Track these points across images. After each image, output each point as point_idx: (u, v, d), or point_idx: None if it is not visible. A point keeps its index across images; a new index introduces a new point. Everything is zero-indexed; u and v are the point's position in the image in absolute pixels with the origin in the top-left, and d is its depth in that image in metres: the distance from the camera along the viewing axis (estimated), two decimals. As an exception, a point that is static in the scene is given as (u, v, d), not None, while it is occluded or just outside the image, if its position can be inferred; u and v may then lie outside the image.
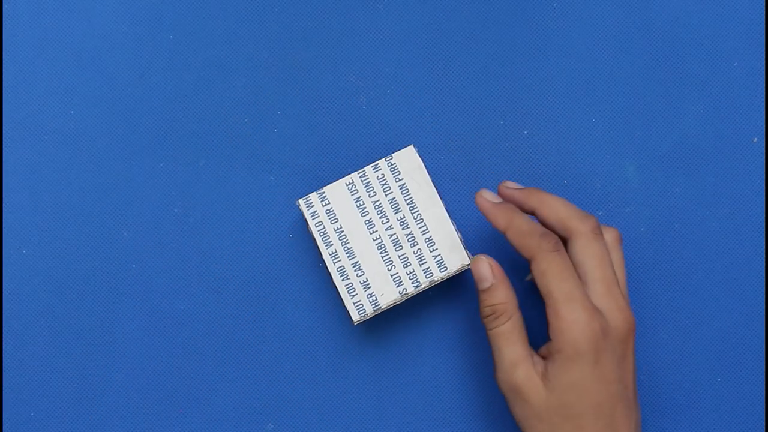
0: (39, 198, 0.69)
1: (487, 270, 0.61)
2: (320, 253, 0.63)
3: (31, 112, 0.69)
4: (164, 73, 0.69)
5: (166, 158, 0.69)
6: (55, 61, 0.69)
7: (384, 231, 0.63)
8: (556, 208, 0.61)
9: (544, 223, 0.62)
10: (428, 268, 0.63)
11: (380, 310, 0.63)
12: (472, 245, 0.69)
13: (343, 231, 0.63)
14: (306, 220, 0.63)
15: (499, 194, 0.63)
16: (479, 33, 0.69)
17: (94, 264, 0.68)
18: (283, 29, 0.70)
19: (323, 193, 0.63)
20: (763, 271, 0.68)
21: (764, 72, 0.69)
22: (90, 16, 0.69)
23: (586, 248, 0.60)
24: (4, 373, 0.68)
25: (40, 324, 0.68)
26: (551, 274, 0.58)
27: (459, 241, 0.63)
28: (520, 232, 0.59)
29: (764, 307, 0.68)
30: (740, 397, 0.68)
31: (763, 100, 0.69)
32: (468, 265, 0.63)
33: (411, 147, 0.63)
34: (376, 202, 0.63)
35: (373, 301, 0.63)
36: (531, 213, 0.62)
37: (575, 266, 0.60)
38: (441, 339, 0.69)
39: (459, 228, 0.68)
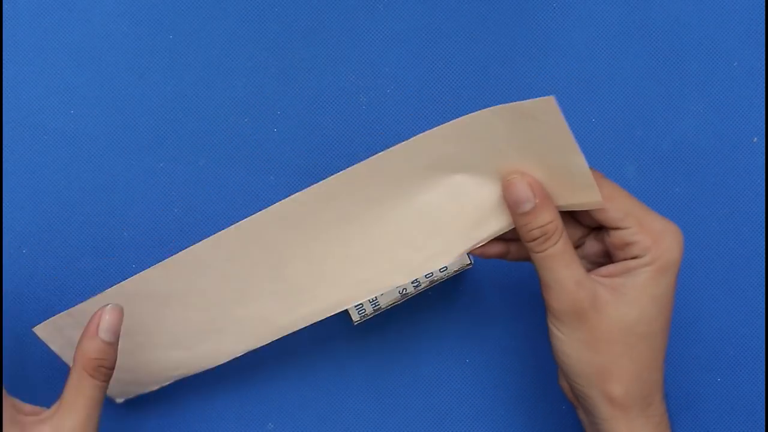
0: (39, 198, 0.69)
1: (527, 190, 0.57)
2: None
3: (31, 112, 0.69)
4: (164, 73, 0.69)
5: (166, 158, 0.69)
6: (55, 61, 0.69)
7: None
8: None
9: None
10: None
11: (380, 310, 0.63)
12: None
13: None
14: None
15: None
16: (479, 33, 0.69)
17: (94, 264, 0.68)
18: (283, 29, 0.70)
19: None
20: (763, 271, 0.68)
21: (764, 72, 0.69)
22: (90, 16, 0.69)
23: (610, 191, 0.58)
24: (4, 373, 0.68)
25: (40, 323, 0.68)
26: (619, 195, 0.57)
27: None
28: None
29: (764, 307, 0.68)
30: (740, 397, 0.68)
31: (763, 100, 0.69)
32: (469, 265, 0.62)
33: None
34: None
35: (373, 300, 0.62)
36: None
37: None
38: (441, 339, 0.69)
39: None
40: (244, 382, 0.68)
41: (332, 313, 0.61)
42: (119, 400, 0.67)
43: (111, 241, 0.68)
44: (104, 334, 0.59)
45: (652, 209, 0.57)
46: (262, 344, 0.64)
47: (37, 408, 0.59)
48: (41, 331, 0.64)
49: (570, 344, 0.57)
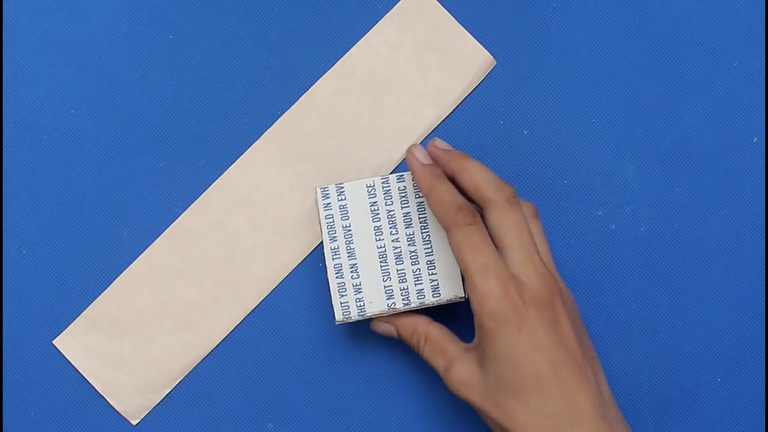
0: (39, 198, 0.69)
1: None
2: (323, 246, 0.63)
3: (31, 112, 0.69)
4: (164, 73, 0.69)
5: (166, 158, 0.69)
6: (55, 61, 0.69)
7: (390, 242, 0.63)
8: (474, 176, 0.60)
9: (462, 190, 0.61)
10: (422, 289, 0.63)
11: (364, 317, 0.63)
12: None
13: (350, 230, 0.63)
14: (318, 210, 0.63)
15: (427, 151, 0.62)
16: (479, 33, 0.69)
17: (94, 264, 0.68)
18: (283, 29, 0.70)
19: (342, 187, 0.63)
20: (763, 271, 0.68)
21: (764, 72, 0.69)
22: (90, 16, 0.69)
23: (501, 218, 0.59)
24: (4, 373, 0.68)
25: (40, 324, 0.68)
26: (466, 247, 0.57)
27: (459, 273, 0.63)
28: (440, 201, 0.59)
29: (764, 307, 0.68)
30: (740, 397, 0.68)
31: (763, 100, 0.69)
32: (463, 297, 0.63)
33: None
34: (390, 211, 0.63)
35: (360, 306, 0.63)
36: (452, 177, 0.61)
37: (493, 236, 0.59)
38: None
39: None
40: (244, 382, 0.68)
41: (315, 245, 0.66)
42: (134, 422, 0.67)
43: (111, 241, 0.68)
44: None
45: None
46: (257, 302, 0.67)
47: None
48: (61, 343, 0.68)
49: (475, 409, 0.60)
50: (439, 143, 0.62)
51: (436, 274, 0.63)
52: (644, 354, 0.68)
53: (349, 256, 0.63)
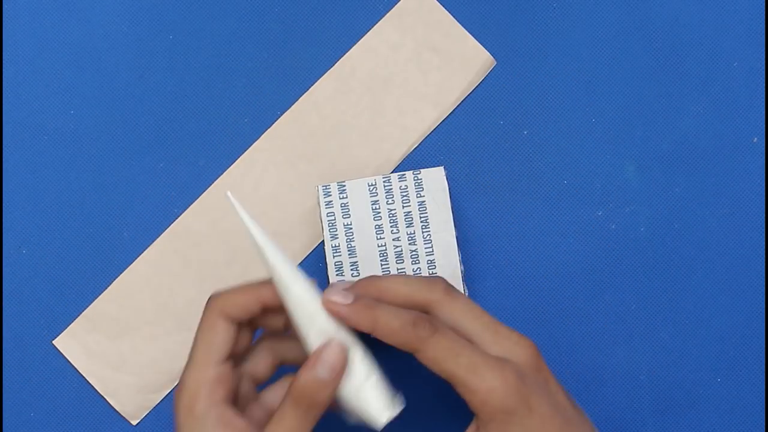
0: (39, 198, 0.69)
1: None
2: (323, 244, 0.63)
3: (31, 112, 0.69)
4: (164, 73, 0.69)
5: (166, 158, 0.69)
6: (55, 61, 0.69)
7: (391, 240, 0.63)
8: (397, 291, 0.56)
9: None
10: None
11: None
12: (469, 244, 0.69)
13: (351, 228, 0.63)
14: (319, 207, 0.63)
15: (328, 311, 0.55)
16: (479, 33, 0.69)
17: (94, 264, 0.68)
18: (283, 29, 0.70)
19: (344, 185, 0.63)
20: (763, 271, 0.68)
21: (764, 72, 0.69)
22: (90, 16, 0.69)
23: (450, 312, 0.55)
24: (4, 373, 0.68)
25: (40, 324, 0.68)
26: (443, 357, 0.53)
27: (460, 272, 0.63)
28: (391, 330, 0.54)
29: (764, 307, 0.68)
30: (740, 397, 0.68)
31: (763, 100, 0.69)
32: None
33: (441, 168, 0.63)
34: (392, 210, 0.63)
35: None
36: (373, 322, 0.55)
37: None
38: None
39: (461, 247, 0.67)
40: (244, 382, 0.68)
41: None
42: (134, 422, 0.67)
43: (111, 241, 0.68)
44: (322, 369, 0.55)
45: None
46: None
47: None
48: (61, 343, 0.68)
49: None
50: (335, 295, 0.55)
51: (436, 273, 0.63)
52: (644, 354, 0.68)
53: (350, 254, 0.63)
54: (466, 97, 0.69)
